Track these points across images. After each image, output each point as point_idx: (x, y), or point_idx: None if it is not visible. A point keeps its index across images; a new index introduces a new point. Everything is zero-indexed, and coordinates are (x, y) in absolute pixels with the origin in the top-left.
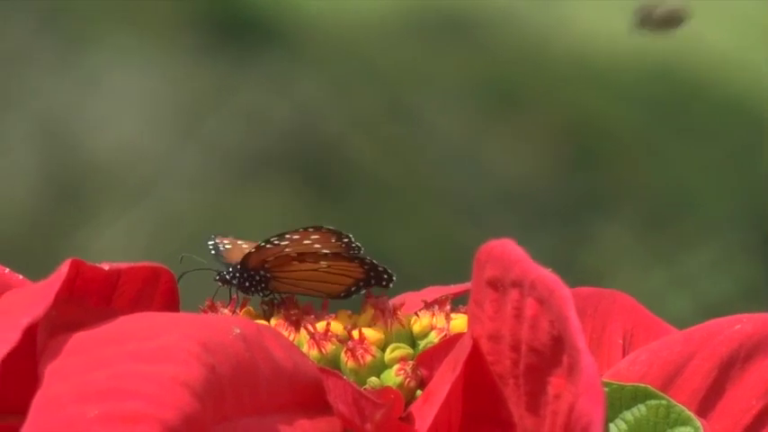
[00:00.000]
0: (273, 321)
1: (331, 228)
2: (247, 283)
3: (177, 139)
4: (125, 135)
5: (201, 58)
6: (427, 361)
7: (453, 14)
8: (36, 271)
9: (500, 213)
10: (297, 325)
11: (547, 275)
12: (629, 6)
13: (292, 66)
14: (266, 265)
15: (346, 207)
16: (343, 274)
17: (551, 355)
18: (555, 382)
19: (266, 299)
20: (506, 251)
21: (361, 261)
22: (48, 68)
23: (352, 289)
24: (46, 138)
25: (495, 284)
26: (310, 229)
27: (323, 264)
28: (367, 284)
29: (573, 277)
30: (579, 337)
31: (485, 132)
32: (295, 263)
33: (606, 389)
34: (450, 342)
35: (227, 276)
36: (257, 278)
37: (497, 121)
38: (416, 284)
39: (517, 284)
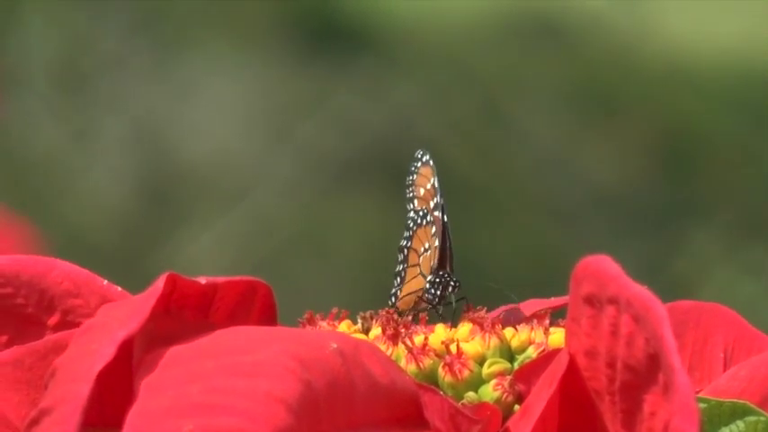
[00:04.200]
0: (372, 335)
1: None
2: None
3: (271, 145)
4: (219, 141)
5: (296, 64)
6: (525, 376)
7: (547, 20)
8: (130, 275)
9: (593, 218)
10: (395, 339)
11: (643, 293)
12: (721, 9)
13: (386, 71)
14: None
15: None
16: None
17: (647, 372)
18: (650, 400)
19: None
20: (603, 268)
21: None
22: (143, 74)
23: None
24: (141, 143)
25: (591, 301)
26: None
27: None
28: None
29: (664, 283)
30: (674, 355)
31: (578, 137)
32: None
33: (704, 405)
34: (547, 357)
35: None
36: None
37: (591, 126)
38: (508, 287)
39: (613, 301)
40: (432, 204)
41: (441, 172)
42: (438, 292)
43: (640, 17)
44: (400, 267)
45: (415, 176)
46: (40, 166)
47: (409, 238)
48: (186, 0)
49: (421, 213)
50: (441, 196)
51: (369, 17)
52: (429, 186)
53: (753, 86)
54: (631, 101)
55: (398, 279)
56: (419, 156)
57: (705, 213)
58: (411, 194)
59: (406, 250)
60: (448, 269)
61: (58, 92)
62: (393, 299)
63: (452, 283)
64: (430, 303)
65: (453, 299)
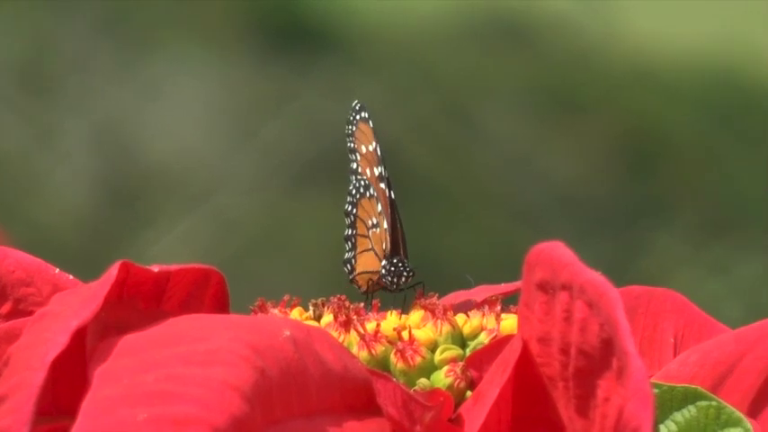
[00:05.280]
0: (324, 322)
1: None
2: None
3: (235, 145)
4: (184, 141)
5: (260, 64)
6: (477, 362)
7: (510, 21)
8: (93, 276)
9: (556, 218)
10: (347, 326)
11: (596, 279)
12: (685, 10)
13: (349, 71)
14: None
15: (404, 211)
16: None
17: (601, 358)
18: (604, 386)
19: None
20: (555, 254)
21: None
22: (107, 75)
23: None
24: (105, 143)
25: (544, 287)
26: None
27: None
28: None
29: (627, 283)
30: (628, 340)
31: (542, 138)
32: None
33: (657, 390)
34: (500, 343)
35: (393, 275)
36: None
37: (554, 126)
38: (471, 285)
39: (566, 287)
40: (376, 172)
41: (404, 172)
42: (394, 280)
43: (604, 18)
44: (349, 232)
45: (354, 128)
46: (4, 167)
47: (354, 205)
48: (150, 1)
49: (363, 182)
50: (385, 169)
51: (332, 17)
52: (371, 148)
53: (716, 87)
54: (595, 101)
55: (349, 244)
56: (357, 107)
57: (669, 213)
58: (352, 145)
59: (352, 216)
60: (402, 254)
61: (23, 93)
62: (348, 266)
63: (406, 273)
64: (387, 289)
65: (406, 287)
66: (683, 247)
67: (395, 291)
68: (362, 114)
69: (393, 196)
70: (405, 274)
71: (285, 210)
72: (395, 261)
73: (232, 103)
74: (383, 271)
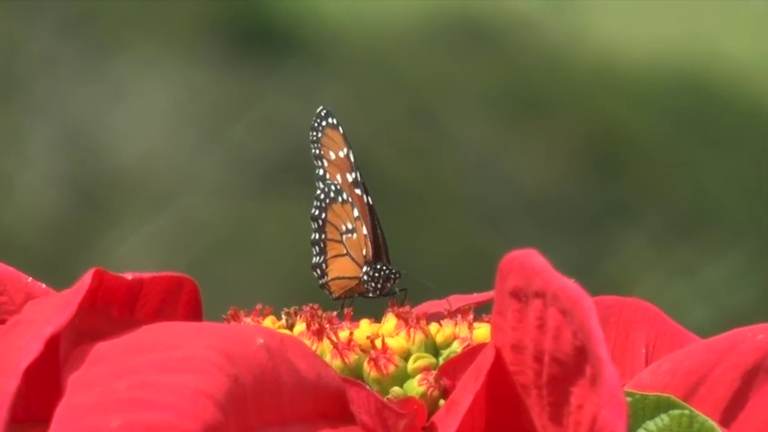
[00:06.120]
0: (296, 331)
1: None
2: (380, 284)
3: (201, 148)
4: (149, 143)
5: (225, 66)
6: (450, 371)
7: (476, 23)
8: (60, 278)
9: (522, 221)
10: (320, 334)
11: (569, 286)
12: (650, 12)
13: (315, 74)
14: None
15: None
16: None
17: (574, 365)
18: (578, 393)
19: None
20: (528, 261)
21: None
22: (73, 77)
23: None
24: (70, 146)
25: (517, 295)
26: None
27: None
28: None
29: (593, 286)
30: (602, 347)
31: (507, 140)
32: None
33: (629, 399)
34: (473, 352)
35: (376, 280)
36: (388, 274)
37: (520, 128)
38: (438, 292)
39: (540, 295)
40: (349, 179)
41: (370, 175)
42: (379, 285)
43: (570, 20)
44: (316, 236)
45: (319, 134)
46: None
47: (323, 209)
48: (116, 2)
49: (334, 188)
50: (361, 175)
51: (298, 19)
52: (342, 155)
53: (682, 89)
54: (561, 103)
55: (317, 248)
56: (322, 113)
57: (634, 216)
58: (317, 152)
59: (320, 221)
60: (384, 259)
61: None
62: (318, 271)
63: (393, 276)
64: (367, 295)
65: (397, 290)
66: (650, 249)
67: (376, 296)
68: (330, 120)
69: (371, 202)
70: (392, 277)
71: (251, 211)
72: (378, 267)
73: (198, 104)
74: (365, 277)
